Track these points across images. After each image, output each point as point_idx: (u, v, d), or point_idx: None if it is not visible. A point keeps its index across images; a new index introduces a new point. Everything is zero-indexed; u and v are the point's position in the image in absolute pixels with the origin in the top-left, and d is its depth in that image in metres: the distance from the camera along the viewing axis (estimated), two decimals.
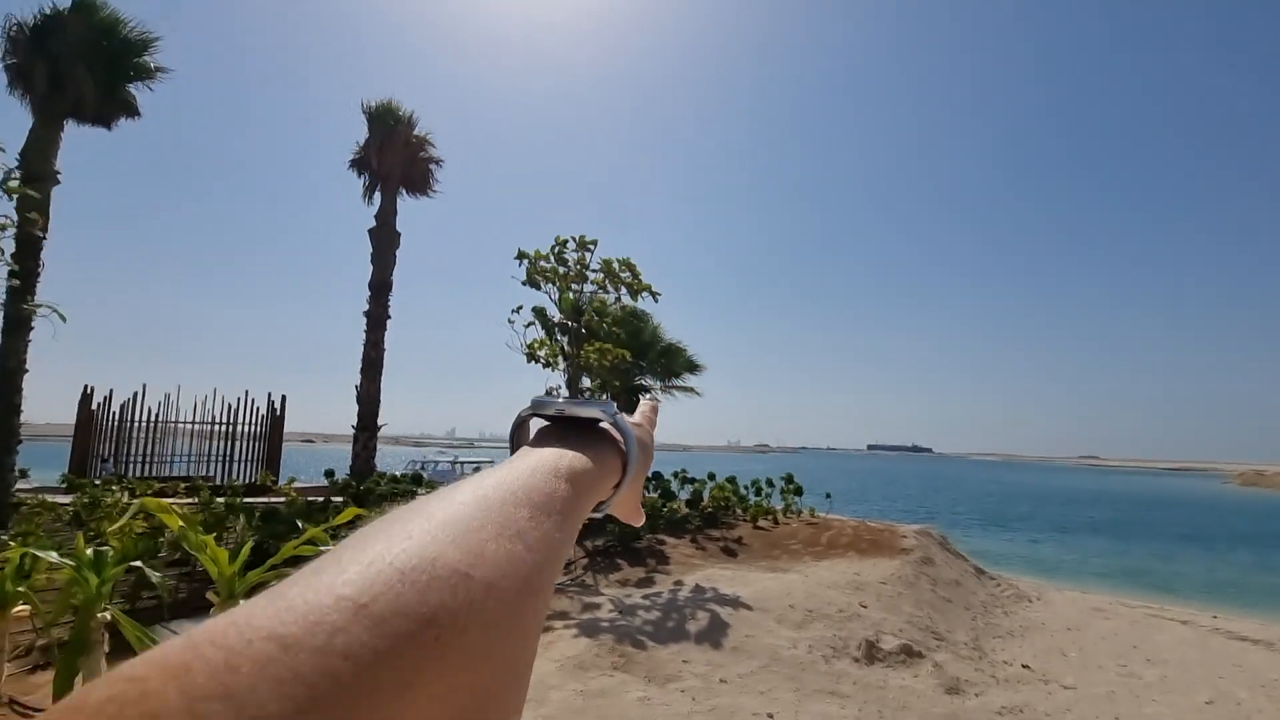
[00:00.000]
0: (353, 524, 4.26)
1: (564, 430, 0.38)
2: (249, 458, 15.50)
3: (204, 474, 15.10)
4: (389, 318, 13.42)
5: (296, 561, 4.09)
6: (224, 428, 15.52)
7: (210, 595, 3.81)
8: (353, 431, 13.28)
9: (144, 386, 15.61)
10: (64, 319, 7.36)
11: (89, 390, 15.17)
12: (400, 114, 13.65)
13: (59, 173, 10.85)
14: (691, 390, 15.29)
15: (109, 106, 11.50)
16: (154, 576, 3.66)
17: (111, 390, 15.38)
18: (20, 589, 3.74)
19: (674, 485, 12.53)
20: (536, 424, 0.40)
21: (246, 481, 14.14)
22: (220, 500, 9.01)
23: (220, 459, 15.40)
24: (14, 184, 5.45)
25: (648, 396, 0.58)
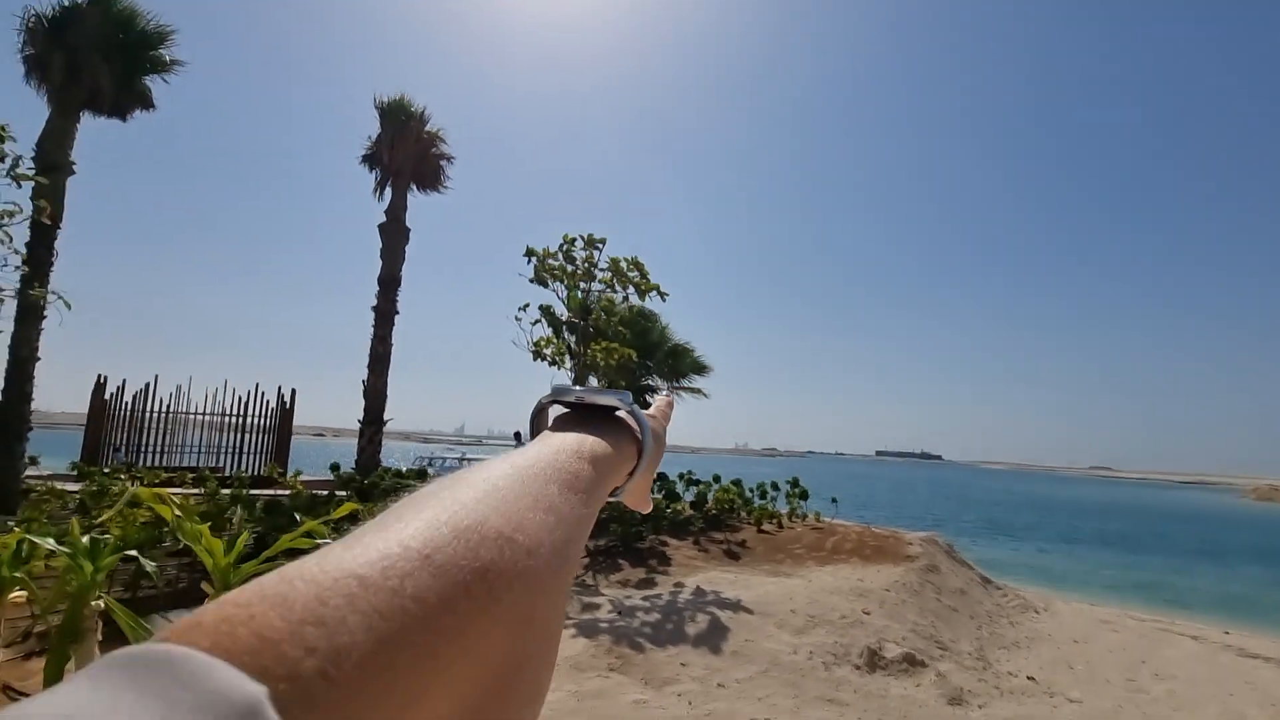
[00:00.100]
0: (350, 518, 4.24)
1: (583, 417, 0.40)
2: (258, 450, 15.58)
3: (215, 465, 15.18)
4: (397, 313, 13.44)
5: (292, 554, 4.07)
6: (235, 420, 15.60)
7: (205, 586, 3.80)
8: (359, 425, 13.32)
9: (156, 378, 15.72)
10: (69, 306, 7.40)
11: (102, 380, 15.31)
12: (412, 110, 13.68)
13: (74, 163, 10.95)
14: (699, 391, 15.23)
15: (125, 98, 11.60)
16: (149, 566, 3.65)
17: (124, 380, 15.51)
18: (17, 575, 3.74)
19: (679, 487, 12.47)
20: (555, 411, 0.42)
21: (253, 474, 14.20)
22: (225, 492, 9.05)
23: (231, 451, 15.48)
24: (22, 171, 5.47)
25: (662, 394, 0.59)
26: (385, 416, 13.39)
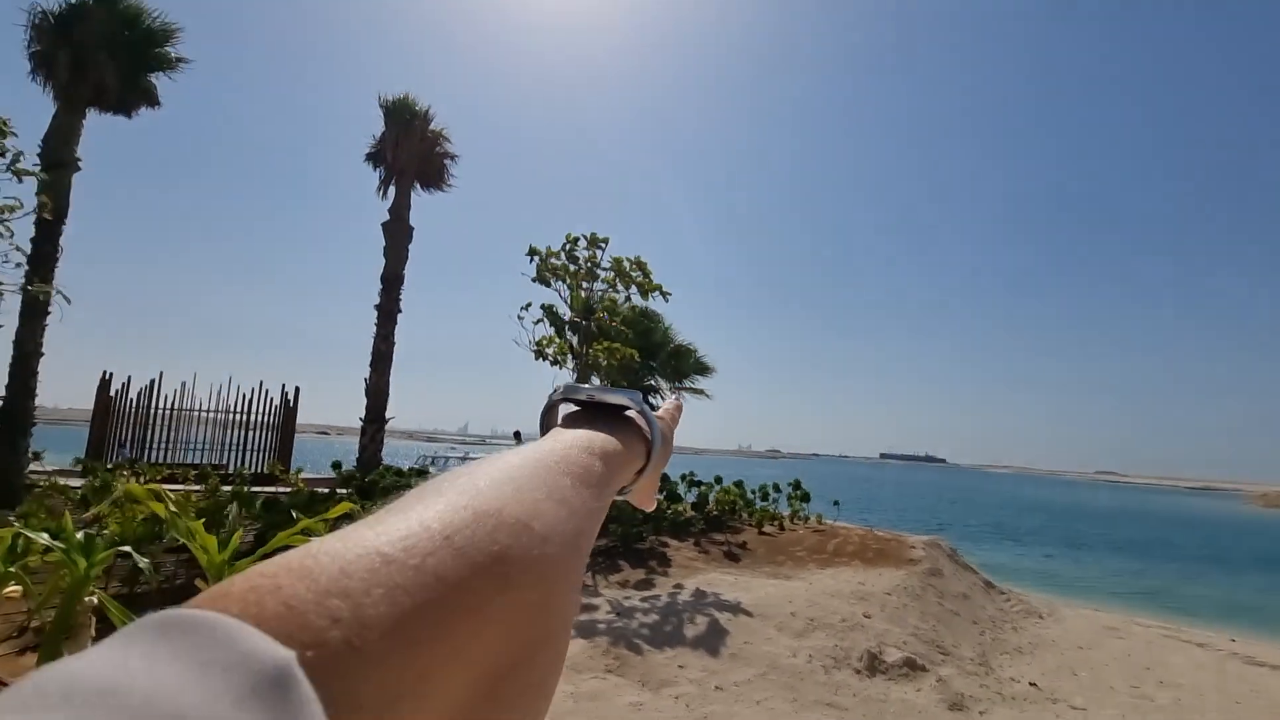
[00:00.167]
0: (346, 517, 4.21)
1: (592, 416, 0.40)
2: (262, 448, 15.62)
3: (219, 463, 15.21)
4: (399, 311, 13.43)
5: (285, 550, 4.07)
6: (240, 417, 15.65)
7: (200, 584, 3.79)
8: (360, 423, 13.33)
9: (160, 374, 15.78)
10: (68, 301, 7.42)
11: (107, 376, 15.37)
12: (416, 109, 13.68)
13: (79, 160, 11.00)
14: (701, 392, 15.18)
15: (130, 95, 11.65)
16: (142, 563, 3.63)
17: (130, 377, 15.57)
18: (11, 569, 3.73)
19: (681, 488, 12.41)
20: (565, 408, 0.42)
21: (255, 471, 14.23)
22: (226, 488, 9.05)
23: (235, 448, 15.53)
24: (22, 166, 5.47)
25: (671, 397, 0.59)
26: (387, 415, 13.39)
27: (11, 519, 6.10)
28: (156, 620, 0.15)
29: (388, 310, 13.40)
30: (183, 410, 15.65)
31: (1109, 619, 9.94)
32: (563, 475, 0.28)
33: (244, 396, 15.74)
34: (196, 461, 15.18)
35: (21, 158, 5.52)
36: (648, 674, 5.09)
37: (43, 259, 10.51)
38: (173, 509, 3.71)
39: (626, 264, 10.90)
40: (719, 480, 12.68)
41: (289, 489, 10.29)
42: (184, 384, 15.96)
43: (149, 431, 15.23)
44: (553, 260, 10.64)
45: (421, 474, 12.14)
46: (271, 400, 15.85)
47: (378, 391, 13.24)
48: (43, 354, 10.69)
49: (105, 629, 3.56)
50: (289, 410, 15.83)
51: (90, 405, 15.10)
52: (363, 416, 13.33)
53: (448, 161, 14.39)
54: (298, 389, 16.06)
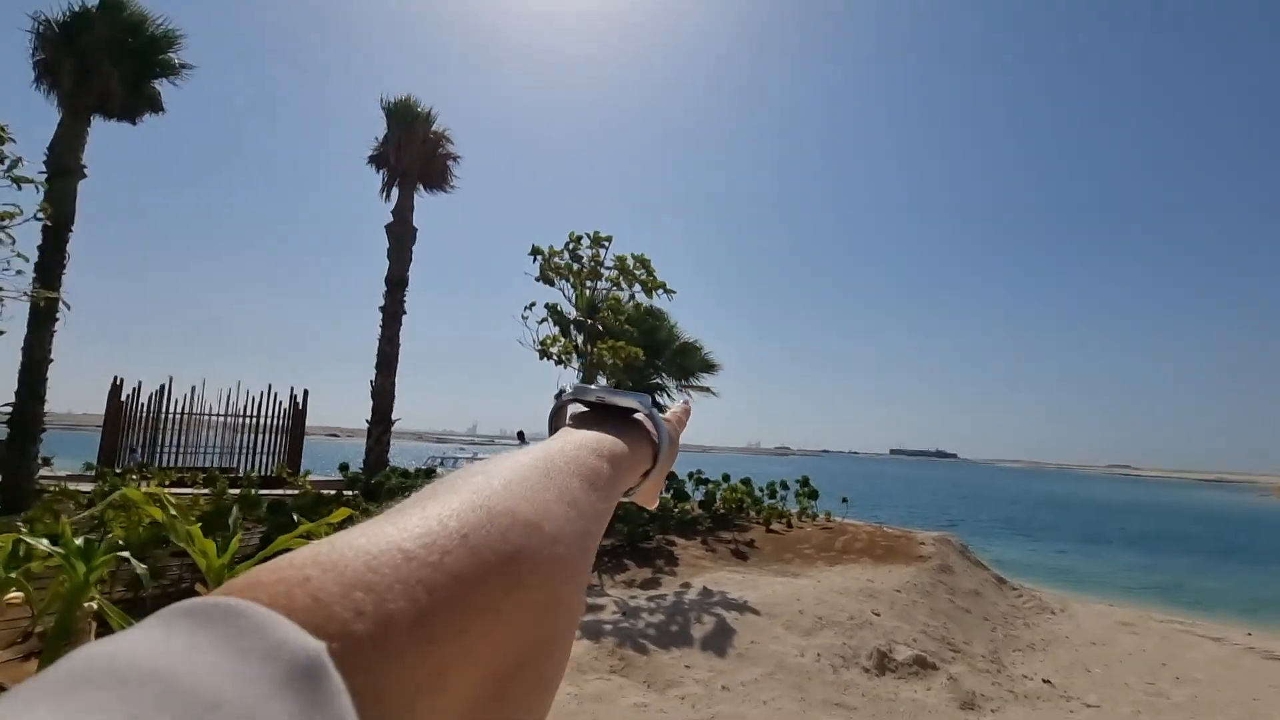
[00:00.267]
0: (346, 522, 4.19)
1: (601, 417, 0.41)
2: (272, 451, 15.67)
3: (230, 466, 15.28)
4: (404, 313, 13.44)
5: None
6: (250, 421, 15.71)
7: (199, 588, 3.77)
8: (366, 425, 13.35)
9: (170, 379, 15.88)
10: (68, 307, 7.44)
11: (118, 382, 15.48)
12: (419, 110, 13.68)
13: (85, 167, 11.05)
14: (707, 390, 15.11)
15: (134, 102, 11.69)
16: (139, 569, 3.62)
17: (140, 382, 15.67)
18: (12, 575, 3.73)
19: (689, 486, 12.36)
20: (574, 408, 0.43)
21: (262, 474, 14.29)
22: (233, 492, 9.08)
23: (246, 451, 15.58)
24: (21, 173, 5.48)
25: (680, 399, 0.60)
26: (394, 416, 13.41)
27: (19, 524, 6.14)
28: (194, 606, 0.15)
29: (392, 312, 13.41)
30: (193, 414, 15.74)
31: (1123, 614, 9.81)
32: (572, 477, 0.29)
33: (253, 400, 15.81)
34: (207, 465, 15.26)
35: (20, 164, 5.52)
36: (653, 674, 5.04)
37: (50, 266, 10.57)
38: (172, 513, 3.69)
39: (630, 262, 10.85)
40: (726, 478, 12.62)
41: (296, 491, 10.31)
42: (193, 388, 16.08)
43: (159, 436, 15.31)
44: (556, 259, 10.60)
45: (428, 475, 12.15)
46: (280, 403, 15.92)
47: (383, 393, 13.26)
48: (51, 360, 10.75)
49: (105, 634, 3.55)
50: (298, 413, 15.88)
51: (102, 411, 15.20)
52: (369, 419, 13.35)
53: (450, 163, 14.39)
54: (306, 392, 16.11)
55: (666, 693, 4.78)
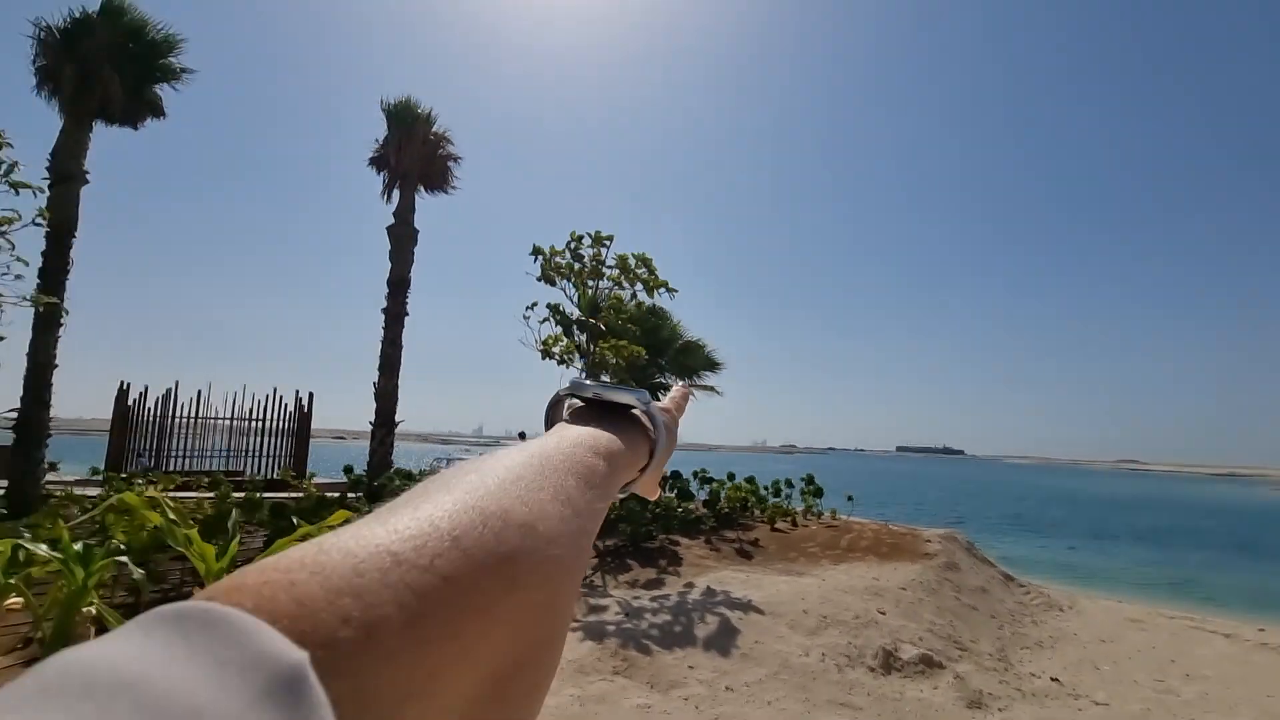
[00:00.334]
0: (344, 525, 4.16)
1: (598, 412, 0.41)
2: (278, 454, 15.70)
3: (237, 470, 15.31)
4: (406, 315, 13.43)
5: None
6: (256, 424, 15.74)
7: (196, 591, 3.76)
8: (370, 427, 13.35)
9: (177, 383, 15.92)
10: (67, 312, 7.45)
11: (125, 386, 15.53)
12: (419, 111, 13.66)
13: (87, 173, 11.08)
14: (711, 389, 15.04)
15: (136, 107, 11.71)
16: (136, 574, 3.60)
17: (146, 386, 15.72)
18: (11, 581, 3.72)
19: (694, 485, 12.30)
20: (571, 403, 0.43)
21: (267, 477, 14.31)
22: (236, 496, 9.08)
23: (252, 455, 15.61)
24: (18, 178, 5.48)
25: (680, 385, 0.58)
26: (397, 419, 13.41)
27: (23, 530, 6.15)
28: (173, 611, 0.15)
29: (395, 314, 13.40)
30: (199, 418, 15.78)
31: (1132, 610, 9.72)
32: (568, 475, 0.28)
33: (259, 404, 15.84)
34: (215, 469, 15.29)
35: (17, 168, 5.52)
36: (656, 675, 5.01)
37: (53, 272, 10.60)
38: (171, 517, 3.68)
39: (631, 261, 10.81)
40: (731, 477, 12.56)
41: (300, 495, 10.32)
42: (199, 392, 16.12)
43: (166, 440, 15.36)
44: (557, 259, 10.57)
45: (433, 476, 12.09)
46: (286, 406, 15.94)
47: (386, 395, 13.26)
48: (56, 365, 10.78)
49: None
50: (303, 416, 15.91)
51: (110, 416, 15.25)
52: (372, 421, 13.35)
53: (451, 164, 14.36)
54: (311, 394, 16.15)
55: (670, 694, 4.74)
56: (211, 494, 10.18)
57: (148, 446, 15.17)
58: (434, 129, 14.00)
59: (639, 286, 10.98)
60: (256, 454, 15.60)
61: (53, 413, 11.00)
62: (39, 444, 10.61)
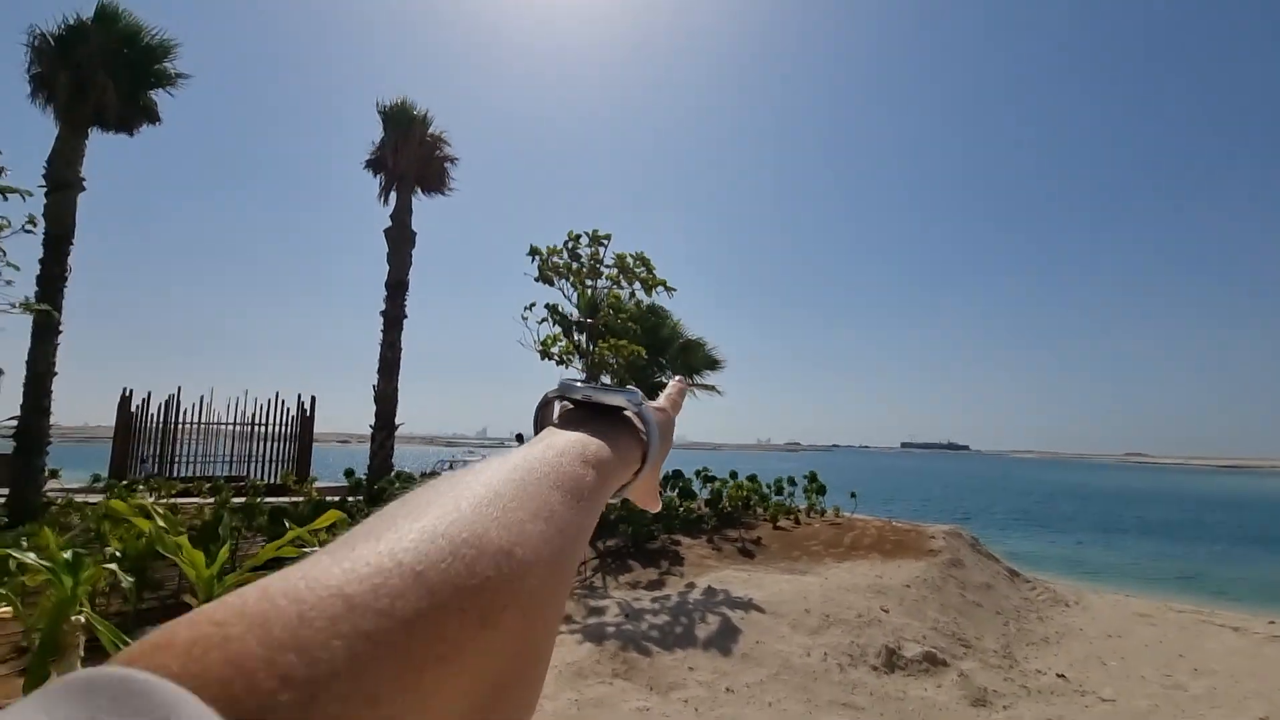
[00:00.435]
0: (333, 528, 4.13)
1: (588, 415, 0.39)
2: (281, 458, 15.68)
3: (241, 475, 15.29)
4: (405, 317, 13.41)
5: (277, 563, 3.97)
6: (261, 429, 15.72)
7: (188, 598, 3.72)
8: (370, 430, 13.34)
9: (179, 389, 15.92)
10: (58, 318, 7.43)
11: (128, 393, 15.53)
12: (415, 113, 13.63)
13: (84, 180, 11.08)
14: (713, 388, 14.97)
15: (131, 113, 11.71)
16: (125, 581, 3.57)
17: (149, 393, 15.72)
18: (1, 591, 3.69)
19: (696, 485, 12.23)
20: (562, 405, 0.41)
21: (269, 482, 14.30)
22: (237, 500, 9.06)
23: (257, 460, 15.60)
24: (7, 184, 5.45)
25: (676, 379, 0.55)
26: (397, 421, 13.38)
27: (22, 539, 6.13)
28: (83, 681, 0.13)
29: (393, 317, 13.38)
30: (202, 424, 15.77)
31: (1139, 605, 9.62)
32: (552, 489, 0.26)
33: (261, 408, 15.82)
34: (220, 474, 15.28)
35: (3, 174, 5.49)
36: (656, 677, 4.96)
37: (51, 279, 10.61)
38: (160, 524, 3.64)
39: (630, 260, 10.76)
40: (734, 475, 12.49)
41: (301, 499, 10.29)
42: (202, 398, 16.11)
43: (169, 446, 15.36)
44: (554, 259, 10.53)
45: (432, 479, 12.06)
46: (288, 410, 15.92)
47: (386, 398, 13.24)
48: (56, 373, 10.79)
49: (95, 648, 3.50)
50: (306, 420, 15.89)
51: (112, 422, 15.24)
52: (372, 424, 13.33)
53: (448, 165, 14.33)
54: (314, 398, 16.14)
55: (669, 695, 4.69)
56: (212, 500, 10.18)
57: (152, 453, 15.18)
58: (430, 130, 13.98)
59: (637, 285, 10.93)
60: (261, 459, 15.60)
61: (56, 420, 11.01)
62: (39, 451, 10.62)
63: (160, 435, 15.19)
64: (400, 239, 13.50)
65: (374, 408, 13.34)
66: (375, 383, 13.31)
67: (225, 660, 0.14)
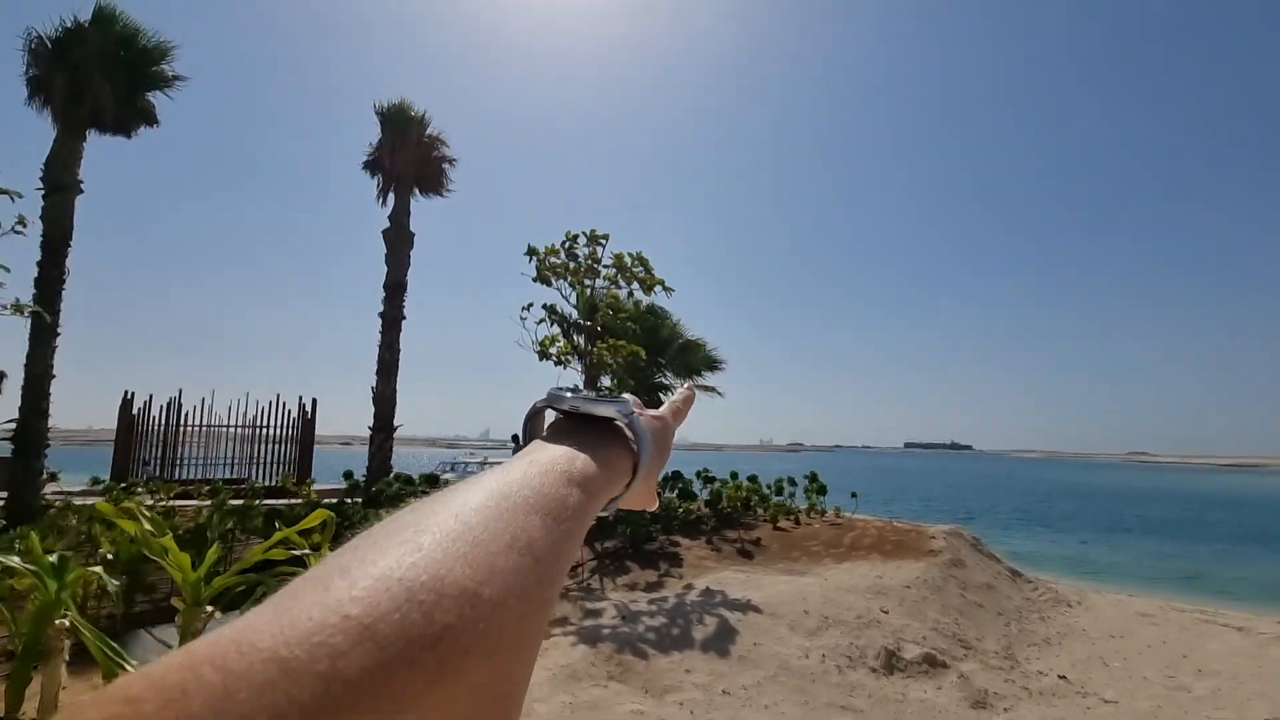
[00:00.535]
0: (322, 528, 4.09)
1: (577, 426, 0.38)
2: (283, 461, 15.64)
3: (242, 477, 15.25)
4: (404, 318, 13.38)
5: (266, 566, 3.92)
6: (264, 431, 15.69)
7: (175, 601, 3.68)
8: (369, 433, 13.30)
9: (180, 391, 15.90)
10: (49, 319, 7.41)
11: (129, 396, 15.52)
12: (412, 114, 13.59)
13: (81, 182, 11.06)
14: (713, 390, 14.92)
15: (128, 115, 11.69)
16: (111, 584, 3.53)
17: (151, 395, 15.71)
18: None
19: (696, 485, 12.17)
20: (551, 414, 0.40)
21: (267, 484, 14.26)
22: (234, 503, 9.02)
23: (258, 462, 15.57)
24: None
25: (684, 387, 0.55)
26: (396, 423, 13.35)
27: (15, 542, 6.08)
28: None
29: (391, 318, 13.34)
30: (204, 426, 15.74)
31: (1142, 605, 9.54)
32: (531, 513, 0.24)
33: (262, 410, 15.79)
34: (224, 477, 15.24)
35: None
36: (651, 679, 4.90)
37: (49, 281, 10.59)
38: (148, 527, 3.60)
39: (628, 259, 10.71)
40: (734, 476, 12.43)
41: (299, 501, 10.25)
42: (203, 400, 16.08)
43: (168, 449, 15.33)
44: (552, 259, 10.48)
45: (432, 481, 12.06)
46: (289, 413, 15.88)
47: (384, 400, 13.20)
48: (54, 375, 10.76)
49: (81, 653, 3.46)
50: (307, 422, 15.84)
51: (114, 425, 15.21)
52: (371, 426, 13.29)
53: (446, 166, 14.29)
54: (314, 401, 16.09)
55: (664, 698, 4.64)
56: (208, 502, 10.15)
57: (154, 455, 15.16)
58: (428, 131, 13.95)
59: (635, 285, 10.88)
60: (262, 462, 15.57)
61: (58, 423, 10.99)
62: (38, 454, 10.60)
63: (162, 438, 15.18)
64: (398, 240, 13.47)
65: (372, 409, 13.31)
66: (374, 384, 13.27)
67: None
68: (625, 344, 10.64)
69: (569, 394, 0.39)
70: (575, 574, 7.80)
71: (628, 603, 6.68)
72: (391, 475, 12.46)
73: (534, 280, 10.62)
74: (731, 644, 5.62)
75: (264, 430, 15.63)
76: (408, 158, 13.40)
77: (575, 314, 11.08)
